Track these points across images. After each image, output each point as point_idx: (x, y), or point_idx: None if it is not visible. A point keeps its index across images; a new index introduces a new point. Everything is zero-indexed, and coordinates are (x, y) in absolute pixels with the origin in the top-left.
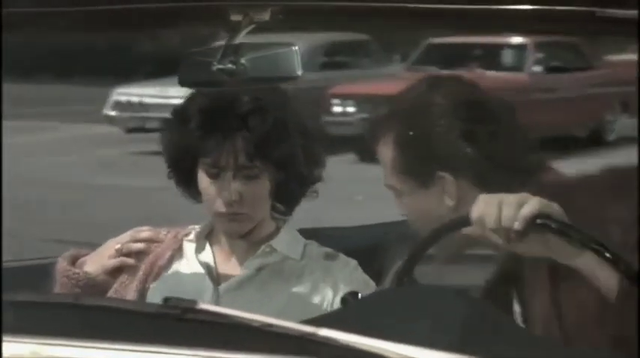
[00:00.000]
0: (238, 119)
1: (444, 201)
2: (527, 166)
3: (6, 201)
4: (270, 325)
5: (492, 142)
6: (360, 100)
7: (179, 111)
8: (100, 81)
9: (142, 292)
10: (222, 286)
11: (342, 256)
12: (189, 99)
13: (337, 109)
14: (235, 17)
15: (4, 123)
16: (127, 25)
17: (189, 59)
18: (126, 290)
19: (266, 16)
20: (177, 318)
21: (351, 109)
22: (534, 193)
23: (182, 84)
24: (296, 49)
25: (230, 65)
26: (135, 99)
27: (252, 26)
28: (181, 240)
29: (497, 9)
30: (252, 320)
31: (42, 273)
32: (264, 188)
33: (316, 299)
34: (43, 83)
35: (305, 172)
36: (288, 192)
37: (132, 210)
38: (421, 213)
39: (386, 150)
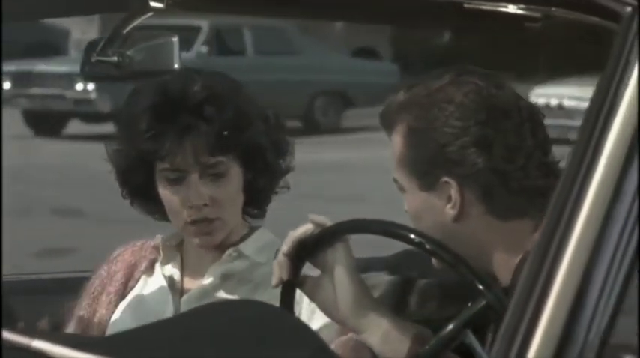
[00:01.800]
0: (192, 111)
1: (445, 209)
2: (543, 191)
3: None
4: None
5: (507, 157)
6: None
7: (124, 113)
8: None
9: (117, 306)
10: (184, 298)
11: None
12: (133, 97)
13: None
14: (136, 5)
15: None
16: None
17: (88, 51)
18: (98, 304)
19: (162, 3)
20: None
21: None
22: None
23: (84, 77)
24: (175, 41)
25: (115, 57)
26: (554, 101)
27: (149, 14)
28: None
29: None
30: None
31: None
32: (235, 186)
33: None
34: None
35: (273, 163)
36: (258, 189)
37: None
38: (420, 216)
39: (397, 141)
